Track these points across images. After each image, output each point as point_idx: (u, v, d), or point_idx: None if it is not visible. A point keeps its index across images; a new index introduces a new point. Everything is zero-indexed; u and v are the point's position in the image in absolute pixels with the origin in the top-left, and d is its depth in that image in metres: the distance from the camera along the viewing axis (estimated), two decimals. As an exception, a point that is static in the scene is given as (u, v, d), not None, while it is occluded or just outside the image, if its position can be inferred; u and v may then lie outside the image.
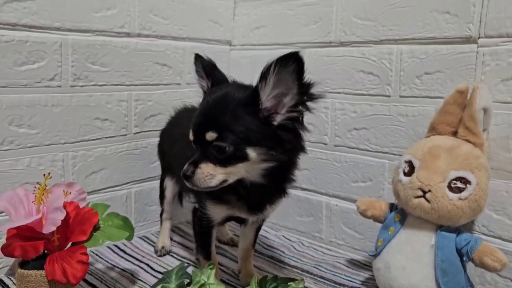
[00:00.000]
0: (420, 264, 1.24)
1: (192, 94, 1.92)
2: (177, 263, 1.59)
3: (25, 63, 1.41)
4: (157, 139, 1.82)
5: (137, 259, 1.63)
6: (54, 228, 1.18)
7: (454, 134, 1.31)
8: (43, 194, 1.25)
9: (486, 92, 1.29)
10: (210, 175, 1.08)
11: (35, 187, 1.27)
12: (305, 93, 1.06)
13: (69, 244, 1.25)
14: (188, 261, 1.63)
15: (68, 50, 1.50)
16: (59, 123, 1.52)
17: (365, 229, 1.67)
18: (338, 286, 1.47)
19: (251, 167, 1.11)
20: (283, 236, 1.89)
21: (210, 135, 1.06)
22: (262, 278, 0.98)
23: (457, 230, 1.25)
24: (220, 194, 1.23)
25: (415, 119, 1.49)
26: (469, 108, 1.28)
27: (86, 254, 1.19)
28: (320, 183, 1.77)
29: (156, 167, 1.86)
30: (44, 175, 1.28)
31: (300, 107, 1.08)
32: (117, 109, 1.68)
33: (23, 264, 1.24)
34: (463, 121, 1.29)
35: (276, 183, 1.20)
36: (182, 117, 1.60)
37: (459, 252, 1.23)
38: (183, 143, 1.41)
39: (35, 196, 1.26)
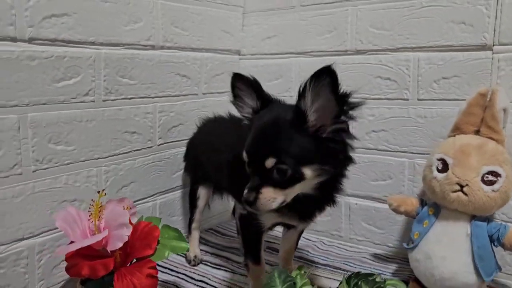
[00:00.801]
0: (459, 253, 1.36)
1: (208, 103, 1.96)
2: (213, 271, 1.64)
3: (63, 79, 1.38)
4: (179, 150, 1.84)
5: (173, 270, 1.64)
6: (121, 245, 1.18)
7: (476, 132, 1.45)
8: (100, 210, 1.25)
9: (504, 94, 1.44)
10: (272, 198, 1.09)
11: (90, 204, 1.26)
12: (344, 104, 1.08)
13: (132, 261, 1.25)
14: (223, 267, 1.67)
15: (101, 64, 1.49)
16: (93, 138, 1.50)
17: (386, 224, 1.79)
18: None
19: (306, 184, 1.14)
20: (303, 236, 1.96)
21: (270, 161, 1.07)
22: (349, 276, 1.06)
23: (487, 219, 1.39)
24: None
25: (433, 120, 1.63)
26: (490, 108, 1.42)
27: (155, 268, 1.21)
28: (340, 184, 1.86)
29: (177, 178, 1.88)
30: (98, 192, 1.27)
31: (342, 117, 1.10)
32: (144, 121, 1.68)
33: (83, 283, 1.23)
34: (485, 120, 1.43)
35: (326, 194, 1.24)
36: (221, 126, 1.62)
37: (490, 238, 1.37)
38: (228, 153, 1.46)
39: (91, 213, 1.25)
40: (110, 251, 1.23)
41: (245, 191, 1.12)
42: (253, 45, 2.05)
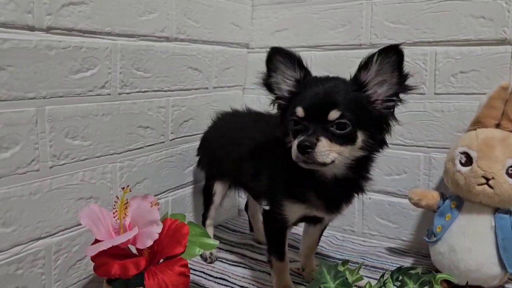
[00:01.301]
0: (484, 245, 1.37)
1: (218, 98, 1.92)
2: (231, 268, 1.60)
3: (80, 70, 1.32)
4: (190, 145, 1.79)
5: (190, 268, 1.59)
6: (151, 243, 1.14)
7: (497, 126, 1.46)
8: (126, 207, 1.20)
9: (524, 87, 1.46)
10: (328, 150, 1.09)
11: (115, 201, 1.21)
12: (402, 84, 1.14)
13: (161, 259, 1.20)
14: (240, 264, 1.63)
15: (117, 56, 1.43)
16: (108, 133, 1.44)
17: (400, 218, 1.79)
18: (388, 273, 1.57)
19: (352, 152, 1.15)
20: (314, 232, 1.95)
21: (335, 113, 1.09)
22: (393, 271, 1.04)
23: (510, 212, 1.40)
24: (300, 192, 1.26)
25: (450, 114, 1.63)
26: (511, 102, 1.44)
27: (186, 266, 1.16)
28: (353, 179, 1.85)
29: (188, 174, 1.83)
30: (122, 188, 1.22)
31: (395, 97, 1.16)
32: (157, 116, 1.62)
33: (109, 282, 1.18)
34: (506, 114, 1.44)
35: (356, 177, 1.25)
36: (241, 120, 1.59)
37: (513, 230, 1.39)
38: (251, 146, 1.42)
39: (116, 210, 1.20)
40: (138, 249, 1.18)
41: (300, 137, 1.10)
42: (262, 38, 2.02)
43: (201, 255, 1.68)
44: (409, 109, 1.71)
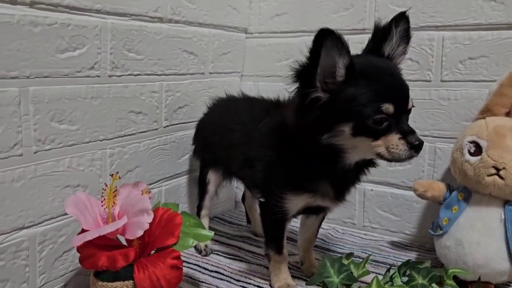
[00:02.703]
0: (493, 238, 1.30)
1: (214, 84, 1.84)
2: (227, 261, 1.53)
3: (67, 49, 1.24)
4: (184, 133, 1.71)
5: (184, 261, 1.51)
6: (141, 233, 1.06)
7: (507, 114, 1.39)
8: (114, 195, 1.12)
9: (537, 74, 1.38)
10: None
11: (103, 189, 1.13)
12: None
13: (152, 251, 1.13)
14: (236, 257, 1.56)
15: (107, 35, 1.34)
16: (97, 117, 1.36)
17: (403, 211, 1.72)
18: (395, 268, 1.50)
19: None
20: (313, 224, 1.88)
21: (411, 102, 1.09)
22: (400, 265, 0.98)
23: (520, 204, 1.34)
24: (307, 182, 1.20)
25: (457, 102, 1.56)
26: (523, 89, 1.36)
27: (179, 258, 1.09)
28: (354, 169, 1.78)
29: (183, 163, 1.75)
30: (111, 175, 1.15)
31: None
32: (150, 101, 1.54)
33: (96, 275, 1.11)
34: (517, 102, 1.37)
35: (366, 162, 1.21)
36: (234, 106, 1.51)
37: (523, 223, 1.32)
38: (242, 132, 1.35)
39: (104, 198, 1.12)
40: (128, 240, 1.11)
41: (406, 137, 1.04)
42: (261, 22, 1.94)
43: (195, 247, 1.61)
44: (414, 97, 1.63)
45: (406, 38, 1.13)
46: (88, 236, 1.01)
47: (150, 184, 1.60)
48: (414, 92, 1.62)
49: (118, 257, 1.03)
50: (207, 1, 1.72)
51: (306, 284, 1.18)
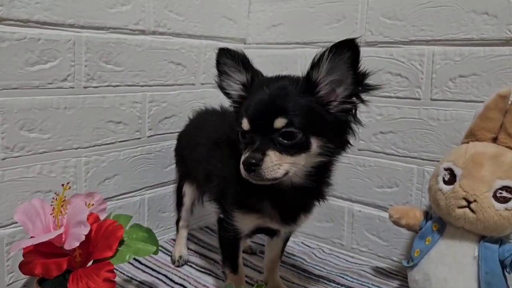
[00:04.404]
0: (463, 276, 1.19)
1: (206, 94, 1.84)
2: (197, 274, 1.53)
3: (37, 62, 1.30)
4: (172, 142, 1.73)
5: (154, 270, 1.54)
6: (77, 244, 1.08)
7: (494, 140, 1.26)
8: (62, 205, 1.16)
9: (529, 97, 1.24)
10: (278, 164, 0.99)
11: (53, 198, 1.18)
12: (360, 83, 1.01)
13: (91, 261, 1.15)
14: (208, 271, 1.56)
15: (81, 48, 1.39)
16: (71, 127, 1.42)
17: (390, 235, 1.62)
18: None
19: (308, 159, 1.05)
20: (302, 242, 1.82)
21: (280, 121, 0.99)
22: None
23: (500, 241, 1.20)
24: (252, 201, 1.16)
25: (447, 123, 1.44)
26: (511, 113, 1.23)
27: (113, 271, 1.10)
28: (342, 188, 1.70)
29: (169, 172, 1.77)
30: (62, 185, 1.18)
31: (354, 98, 1.02)
32: (131, 111, 1.58)
33: (41, 282, 1.15)
34: (505, 127, 1.24)
35: (316, 185, 1.13)
36: (205, 119, 1.51)
37: (501, 263, 1.19)
38: (207, 147, 1.34)
39: (53, 208, 1.16)
40: (68, 250, 1.14)
41: (246, 153, 1.00)
42: (258, 33, 1.91)
43: (170, 257, 1.62)
44: (403, 116, 1.54)
45: (351, 68, 0.99)
46: (23, 244, 1.05)
47: (132, 192, 1.65)
48: (403, 111, 1.54)
49: (52, 266, 1.06)
50: (197, 13, 1.73)
51: None
